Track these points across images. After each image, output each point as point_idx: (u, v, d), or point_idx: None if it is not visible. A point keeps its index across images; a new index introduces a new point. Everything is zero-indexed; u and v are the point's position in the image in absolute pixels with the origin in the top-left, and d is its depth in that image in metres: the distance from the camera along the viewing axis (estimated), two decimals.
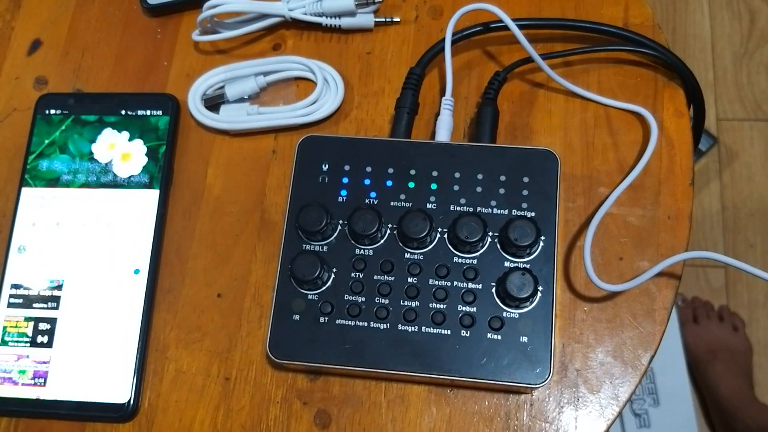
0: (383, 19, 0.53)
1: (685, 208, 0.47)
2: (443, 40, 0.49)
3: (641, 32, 0.50)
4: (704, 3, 1.54)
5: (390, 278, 0.44)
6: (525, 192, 0.44)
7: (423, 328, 0.43)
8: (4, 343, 0.47)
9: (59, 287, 0.48)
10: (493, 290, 0.43)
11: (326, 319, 0.43)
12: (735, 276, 1.37)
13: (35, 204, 0.50)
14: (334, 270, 0.44)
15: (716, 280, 1.37)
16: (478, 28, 0.50)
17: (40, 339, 0.47)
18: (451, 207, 0.45)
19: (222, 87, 0.52)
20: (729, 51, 1.50)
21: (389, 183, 0.45)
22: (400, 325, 0.43)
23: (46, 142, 0.51)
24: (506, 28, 0.48)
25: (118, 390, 0.46)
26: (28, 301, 0.48)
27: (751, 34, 1.51)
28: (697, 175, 1.43)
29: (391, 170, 0.46)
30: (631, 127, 0.49)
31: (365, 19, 0.53)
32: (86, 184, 0.50)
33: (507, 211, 0.44)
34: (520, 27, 0.48)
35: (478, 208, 0.44)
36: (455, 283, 0.43)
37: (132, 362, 0.46)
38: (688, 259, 0.43)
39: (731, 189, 1.41)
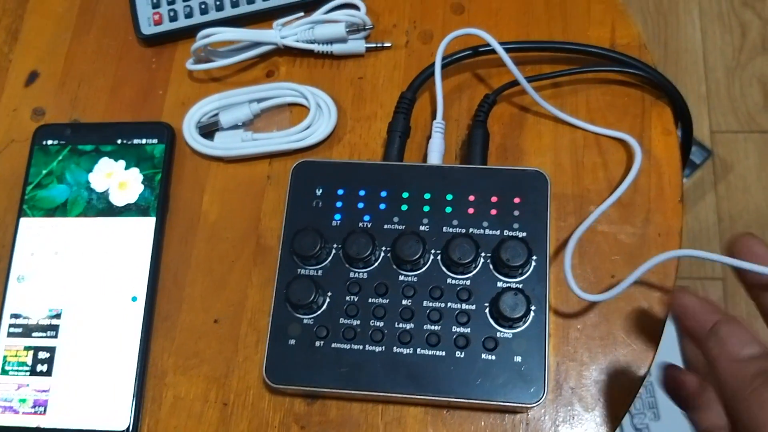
0: (374, 45, 0.54)
1: (676, 225, 0.47)
2: (433, 64, 0.50)
3: (628, 52, 0.51)
4: (695, 17, 1.55)
5: (384, 301, 0.44)
6: (516, 212, 0.45)
7: (418, 350, 0.43)
8: (5, 372, 0.48)
9: (58, 316, 0.49)
10: (487, 311, 0.43)
11: (322, 343, 0.44)
12: (733, 288, 1.37)
13: (34, 234, 0.51)
14: (329, 294, 0.44)
15: (714, 292, 1.37)
16: (468, 52, 0.51)
17: (39, 368, 0.48)
18: (444, 229, 0.45)
19: (216, 114, 0.52)
20: (721, 64, 1.51)
21: (383, 206, 0.46)
22: (395, 348, 0.43)
23: (44, 172, 0.52)
24: (495, 51, 0.49)
25: (118, 417, 0.46)
26: (27, 331, 0.49)
27: (742, 47, 1.52)
28: (692, 188, 1.43)
29: (384, 193, 0.46)
30: (619, 147, 0.50)
31: (356, 45, 0.54)
32: (84, 213, 0.51)
33: (499, 231, 0.45)
34: (509, 50, 0.49)
35: (471, 230, 0.45)
36: (449, 304, 0.44)
37: (131, 389, 0.47)
38: (666, 259, 0.42)
39: (727, 201, 1.42)
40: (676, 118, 0.51)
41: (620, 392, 0.44)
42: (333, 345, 0.44)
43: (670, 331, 0.45)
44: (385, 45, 0.54)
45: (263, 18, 0.56)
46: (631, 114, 0.50)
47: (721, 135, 1.46)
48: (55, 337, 0.48)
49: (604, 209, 0.46)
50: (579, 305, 0.46)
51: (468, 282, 0.44)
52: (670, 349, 1.20)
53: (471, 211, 0.45)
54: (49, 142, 0.53)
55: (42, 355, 0.48)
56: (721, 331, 0.35)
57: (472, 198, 0.46)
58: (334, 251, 0.45)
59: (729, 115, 1.47)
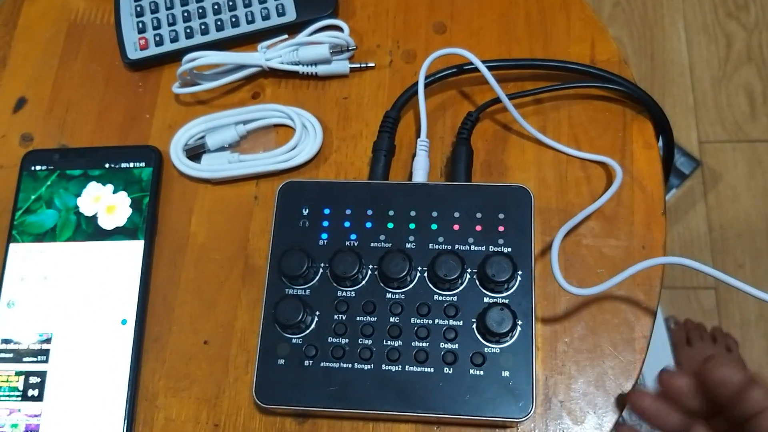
0: (358, 65, 0.55)
1: (659, 237, 0.48)
2: (417, 83, 0.51)
3: (608, 68, 0.52)
4: (681, 29, 1.57)
5: (372, 319, 0.44)
6: (501, 228, 0.45)
7: (406, 367, 0.43)
8: None
9: (48, 340, 0.49)
10: (474, 326, 0.44)
11: (311, 362, 0.44)
12: (726, 296, 1.38)
13: (23, 259, 0.51)
14: (317, 313, 0.45)
15: (707, 301, 1.37)
16: (452, 71, 0.52)
17: (30, 392, 0.48)
18: (430, 246, 0.46)
19: (203, 137, 0.53)
20: (707, 74, 1.52)
21: (369, 224, 0.47)
22: (383, 365, 0.43)
23: (33, 197, 0.52)
24: (478, 69, 0.49)
25: None
26: (18, 356, 0.49)
27: (728, 57, 1.53)
28: (682, 198, 1.44)
29: (370, 212, 0.47)
30: (596, 166, 0.50)
31: (341, 65, 0.54)
32: (73, 238, 0.51)
33: (484, 247, 0.45)
34: (491, 68, 0.49)
35: (456, 246, 0.45)
36: (436, 320, 0.44)
37: (122, 412, 0.47)
38: (657, 264, 0.43)
39: (717, 210, 1.43)
40: (657, 131, 0.52)
41: (608, 404, 0.45)
42: (322, 364, 0.44)
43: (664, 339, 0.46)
44: (369, 65, 0.55)
45: (248, 41, 0.56)
46: (612, 129, 0.51)
47: (709, 145, 1.47)
48: (46, 361, 0.48)
49: (591, 211, 0.46)
50: (566, 318, 0.47)
51: (455, 298, 0.44)
52: (664, 359, 1.20)
53: (456, 227, 0.46)
54: (38, 167, 0.53)
55: (33, 379, 0.48)
56: None
57: (457, 215, 0.46)
58: (321, 270, 0.46)
59: (717, 125, 1.49)
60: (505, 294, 0.44)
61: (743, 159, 1.46)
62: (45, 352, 0.49)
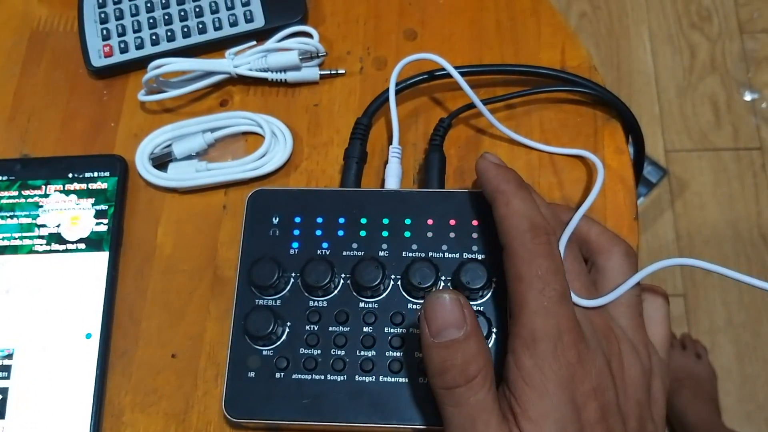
0: (328, 72, 0.54)
1: (632, 242, 0.48)
2: (388, 89, 0.50)
3: (578, 74, 0.52)
4: (646, 39, 1.59)
5: (345, 329, 0.43)
6: (474, 235, 0.45)
7: (380, 377, 0.42)
8: None
9: (9, 356, 0.47)
10: None
11: (282, 374, 0.43)
12: (694, 303, 1.39)
13: None
14: (289, 324, 0.44)
15: (676, 308, 1.39)
16: (423, 77, 0.51)
17: None
18: (404, 253, 0.45)
19: (170, 145, 0.52)
20: (673, 84, 1.55)
21: (341, 233, 0.46)
22: (357, 376, 0.42)
23: None
24: (449, 75, 0.49)
25: None
26: None
27: (692, 67, 1.56)
28: (650, 206, 1.46)
29: (342, 220, 0.46)
30: (574, 166, 0.50)
31: (310, 72, 0.53)
32: (35, 250, 0.50)
33: (458, 254, 0.45)
34: (463, 74, 0.49)
35: (430, 253, 0.45)
36: (411, 329, 0.43)
37: (87, 429, 0.45)
38: (665, 267, 0.42)
39: (685, 218, 1.45)
40: (627, 136, 0.52)
41: None
42: (294, 376, 0.43)
43: None
44: (339, 72, 0.54)
45: (215, 48, 0.55)
46: (584, 134, 0.51)
47: (675, 154, 1.49)
48: (7, 378, 0.47)
49: (586, 208, 0.45)
50: None
51: None
52: None
53: (430, 234, 0.45)
54: None
55: None
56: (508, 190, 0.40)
57: (430, 222, 0.45)
58: (292, 280, 0.45)
59: (682, 134, 1.51)
60: (480, 301, 0.43)
61: (709, 167, 1.48)
62: (6, 368, 0.47)
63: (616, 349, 0.38)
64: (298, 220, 0.46)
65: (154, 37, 0.55)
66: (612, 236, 0.43)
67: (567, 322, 0.36)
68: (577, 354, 0.35)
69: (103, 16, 0.56)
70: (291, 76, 0.53)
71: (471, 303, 0.43)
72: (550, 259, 0.37)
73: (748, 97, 1.52)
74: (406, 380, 0.42)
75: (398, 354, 0.43)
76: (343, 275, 0.44)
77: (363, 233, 0.46)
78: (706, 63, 1.56)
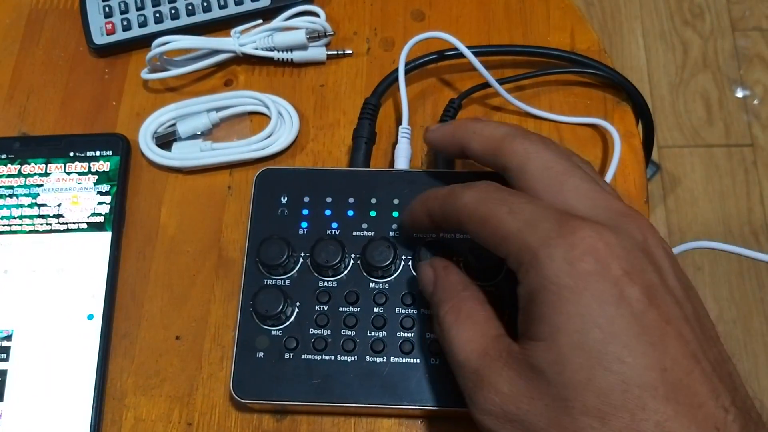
0: (335, 52, 0.53)
1: None
2: (397, 69, 0.49)
3: (588, 56, 0.51)
4: (639, 36, 1.59)
5: (355, 309, 0.43)
6: None
7: (392, 358, 0.42)
8: None
9: (9, 338, 0.46)
10: None
11: (291, 354, 0.42)
12: None
13: None
14: (298, 304, 0.43)
15: None
16: (432, 56, 0.51)
17: None
18: (414, 234, 0.44)
19: (174, 124, 0.51)
20: (665, 81, 1.55)
21: (351, 213, 0.45)
22: (368, 357, 0.42)
23: None
24: (459, 55, 0.48)
25: None
26: None
27: (685, 64, 1.56)
28: None
29: (351, 200, 0.45)
30: (584, 144, 0.50)
31: (317, 52, 0.53)
32: (35, 230, 0.48)
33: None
34: (474, 54, 0.48)
35: (441, 234, 0.44)
36: (422, 310, 0.42)
37: (88, 412, 0.44)
38: (687, 250, 0.41)
39: (677, 214, 1.45)
40: (637, 120, 0.51)
41: None
42: (303, 356, 0.42)
43: None
44: (347, 52, 0.53)
45: (220, 27, 0.54)
46: (593, 116, 0.50)
47: (668, 150, 1.50)
48: (6, 360, 0.45)
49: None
50: None
51: None
52: None
53: None
54: None
55: None
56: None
57: None
58: (301, 260, 0.44)
59: (675, 131, 1.51)
60: (492, 282, 0.43)
61: (701, 163, 1.48)
62: (5, 350, 0.46)
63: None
64: (307, 199, 0.45)
65: (157, 15, 0.54)
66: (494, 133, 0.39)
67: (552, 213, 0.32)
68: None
69: None
70: (297, 55, 0.52)
71: (485, 284, 0.42)
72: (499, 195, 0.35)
73: (739, 94, 1.52)
74: (418, 361, 0.41)
75: (410, 335, 0.42)
76: (353, 255, 0.44)
77: (373, 213, 0.45)
78: (698, 60, 1.56)
